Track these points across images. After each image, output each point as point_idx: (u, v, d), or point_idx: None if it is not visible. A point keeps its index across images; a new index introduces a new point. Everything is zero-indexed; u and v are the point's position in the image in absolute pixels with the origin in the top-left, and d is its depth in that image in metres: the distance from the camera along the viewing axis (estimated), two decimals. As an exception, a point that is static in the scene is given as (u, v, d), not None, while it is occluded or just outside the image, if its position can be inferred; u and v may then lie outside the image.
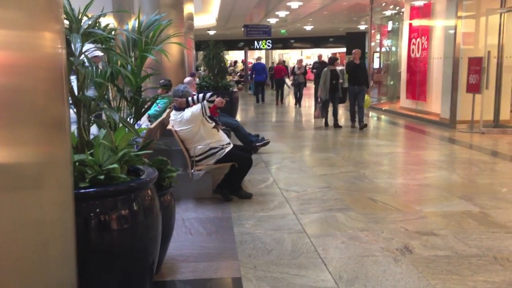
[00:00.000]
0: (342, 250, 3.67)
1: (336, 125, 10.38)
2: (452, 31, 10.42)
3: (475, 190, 5.29)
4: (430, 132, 9.77)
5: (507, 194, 5.13)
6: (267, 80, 18.73)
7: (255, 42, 29.03)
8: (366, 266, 3.35)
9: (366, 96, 10.58)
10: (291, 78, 17.55)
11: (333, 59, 10.74)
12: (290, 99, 18.50)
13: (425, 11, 12.08)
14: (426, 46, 12.02)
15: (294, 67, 17.13)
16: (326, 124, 10.61)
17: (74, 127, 2.56)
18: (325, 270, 3.31)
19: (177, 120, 4.86)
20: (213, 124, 5.02)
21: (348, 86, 10.28)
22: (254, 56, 32.15)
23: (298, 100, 15.97)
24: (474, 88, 9.55)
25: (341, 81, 10.41)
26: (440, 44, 11.28)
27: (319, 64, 15.79)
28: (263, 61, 24.31)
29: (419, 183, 5.72)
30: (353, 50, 10.70)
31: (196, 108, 4.81)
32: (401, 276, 3.19)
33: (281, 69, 17.60)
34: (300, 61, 16.80)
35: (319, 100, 10.51)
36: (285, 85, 17.71)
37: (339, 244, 3.77)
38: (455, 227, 4.11)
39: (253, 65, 18.24)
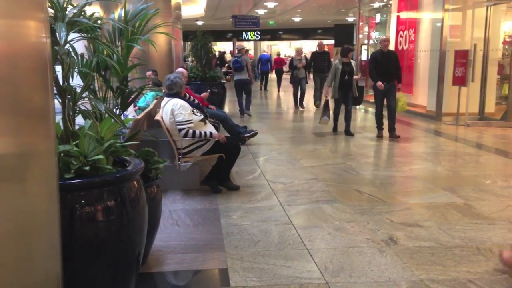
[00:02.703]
0: (328, 241, 3.70)
1: (348, 132, 8.34)
2: (439, 24, 10.47)
3: (459, 182, 5.35)
4: (416, 125, 9.85)
5: (490, 186, 5.20)
6: (270, 70, 20.32)
7: (243, 33, 28.90)
8: (352, 257, 3.38)
9: (401, 95, 8.24)
10: (289, 72, 13.57)
11: (347, 50, 8.35)
12: (282, 94, 18.37)
13: (413, 4, 12.12)
14: (413, 39, 12.07)
15: (291, 58, 13.10)
16: (335, 129, 8.60)
17: (59, 118, 2.53)
18: (311, 261, 3.33)
19: (164, 107, 4.84)
20: (201, 117, 4.99)
21: (374, 82, 8.03)
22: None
23: (299, 101, 12.65)
24: (460, 81, 9.63)
25: (356, 76, 8.36)
26: (427, 36, 11.34)
27: (320, 55, 12.52)
28: (251, 52, 24.60)
29: (405, 175, 5.77)
30: (383, 37, 8.48)
31: (181, 118, 4.74)
32: (385, 267, 3.22)
33: (281, 60, 19.49)
34: (299, 51, 12.85)
35: (323, 100, 8.71)
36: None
37: (325, 236, 3.80)
38: (439, 219, 4.16)
39: (259, 57, 19.54)
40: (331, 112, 8.49)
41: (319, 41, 13.26)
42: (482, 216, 4.22)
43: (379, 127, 8.21)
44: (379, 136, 8.13)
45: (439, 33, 10.41)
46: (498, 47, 10.36)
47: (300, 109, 12.43)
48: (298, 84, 12.44)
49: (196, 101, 5.21)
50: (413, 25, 12.08)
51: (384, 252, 3.47)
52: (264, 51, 16.69)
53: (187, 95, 5.19)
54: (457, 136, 8.44)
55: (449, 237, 3.73)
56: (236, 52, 12.12)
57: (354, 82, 8.21)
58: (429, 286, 2.96)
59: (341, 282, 3.02)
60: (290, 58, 14.93)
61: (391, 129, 8.01)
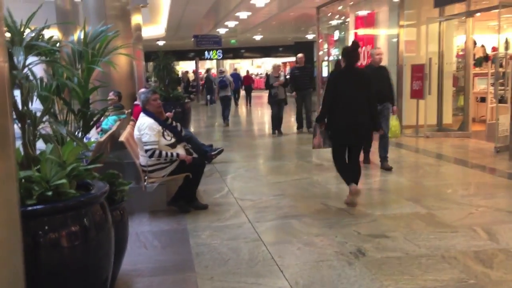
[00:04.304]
0: (298, 256, 3.71)
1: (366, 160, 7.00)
2: (395, 40, 10.82)
3: (422, 192, 5.49)
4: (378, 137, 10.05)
5: (452, 195, 5.36)
6: (241, 87, 21.61)
7: (206, 52, 29.00)
8: (322, 271, 3.40)
9: (393, 119, 7.05)
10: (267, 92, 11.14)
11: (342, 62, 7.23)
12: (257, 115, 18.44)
13: (369, 21, 12.48)
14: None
15: (268, 76, 11.26)
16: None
17: (19, 143, 2.47)
18: (281, 277, 3.33)
19: (137, 126, 4.87)
20: (170, 141, 4.91)
21: None
22: (205, 66, 32.27)
23: (276, 125, 10.66)
24: (417, 94, 9.94)
25: None
26: (384, 52, 11.64)
27: (300, 71, 10.70)
28: (214, 71, 25.37)
29: (369, 187, 5.88)
30: (375, 49, 7.13)
31: (146, 138, 4.73)
32: (355, 279, 3.26)
33: (249, 78, 22.45)
34: (277, 68, 10.96)
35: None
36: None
37: (295, 251, 3.81)
38: (404, 229, 4.24)
39: (231, 75, 20.37)
40: None
41: (299, 54, 11.07)
42: (445, 225, 4.34)
43: (366, 154, 6.99)
44: (366, 163, 6.92)
45: (396, 49, 10.74)
46: (452, 61, 10.77)
47: (277, 135, 10.52)
48: (277, 105, 10.52)
49: (175, 124, 5.12)
50: (371, 41, 12.42)
51: (353, 264, 3.50)
52: (222, 70, 16.35)
53: (168, 118, 5.15)
54: (417, 148, 8.66)
55: (415, 247, 3.81)
56: (219, 73, 15.37)
57: None
58: (398, 296, 3.00)
59: (312, 297, 3.03)
60: (266, 74, 14.83)
61: (383, 158, 6.69)
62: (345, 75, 4.99)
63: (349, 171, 5.05)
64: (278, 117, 10.61)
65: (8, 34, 2.48)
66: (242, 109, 19.61)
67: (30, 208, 2.26)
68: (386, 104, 6.63)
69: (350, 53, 4.99)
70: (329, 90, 4.97)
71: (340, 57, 7.65)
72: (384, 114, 6.60)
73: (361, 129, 4.88)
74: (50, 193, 2.34)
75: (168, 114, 6.50)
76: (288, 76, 11.12)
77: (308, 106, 10.76)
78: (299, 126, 10.99)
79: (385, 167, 6.58)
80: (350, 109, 4.80)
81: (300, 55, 11.04)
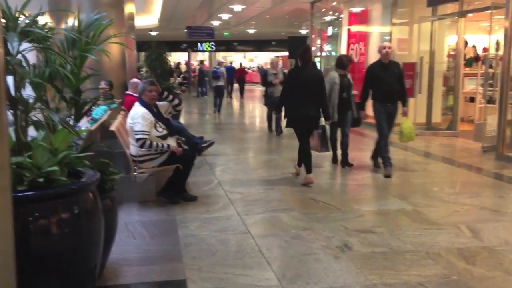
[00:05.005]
0: (285, 249, 3.75)
1: (345, 163, 6.71)
2: (387, 37, 10.87)
3: (409, 189, 5.56)
4: (367, 135, 10.12)
5: (438, 192, 5.44)
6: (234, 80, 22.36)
7: (198, 44, 28.83)
8: (308, 264, 3.45)
9: (406, 121, 6.71)
10: (263, 90, 10.02)
11: (345, 60, 6.80)
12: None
13: (363, 18, 12.53)
14: (363, 51, 12.46)
15: (266, 71, 9.90)
16: (335, 160, 6.88)
17: (10, 129, 2.47)
18: (268, 269, 3.37)
19: (131, 114, 4.85)
20: (162, 133, 4.92)
21: (374, 103, 6.39)
22: (198, 58, 32.11)
23: (276, 126, 9.74)
24: (408, 92, 9.98)
25: (355, 92, 6.79)
26: (376, 49, 11.70)
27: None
28: (206, 63, 25.77)
29: (358, 183, 5.94)
30: (382, 43, 6.80)
31: (138, 128, 4.74)
32: (341, 273, 3.31)
33: (242, 70, 23.70)
34: (275, 63, 9.92)
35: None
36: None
37: (282, 244, 3.86)
38: (391, 225, 4.31)
39: (225, 68, 20.63)
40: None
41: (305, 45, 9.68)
42: (430, 222, 4.41)
43: (386, 161, 6.22)
44: (387, 175, 6.06)
45: (388, 46, 10.78)
46: (443, 60, 10.86)
47: (276, 135, 9.73)
48: (274, 104, 8.53)
49: (177, 101, 5.23)
50: (363, 38, 12.48)
51: (339, 258, 3.56)
52: (220, 61, 17.48)
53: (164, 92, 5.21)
54: (406, 146, 8.73)
55: (400, 242, 3.87)
56: (218, 64, 17.33)
57: (353, 99, 6.69)
58: (382, 290, 3.06)
59: (298, 289, 3.08)
60: (261, 67, 13.25)
61: (386, 163, 6.20)
62: (300, 72, 5.70)
63: (310, 161, 5.75)
64: (278, 117, 9.27)
65: (2, 20, 2.47)
66: (235, 101, 19.70)
67: (20, 194, 2.26)
68: (396, 105, 6.40)
69: (303, 53, 5.70)
70: (286, 85, 5.92)
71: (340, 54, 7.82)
72: (392, 116, 6.43)
73: (309, 118, 5.64)
74: (41, 179, 2.35)
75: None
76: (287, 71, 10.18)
77: None
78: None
79: (378, 166, 6.59)
80: (302, 101, 5.54)
81: (306, 45, 9.79)
